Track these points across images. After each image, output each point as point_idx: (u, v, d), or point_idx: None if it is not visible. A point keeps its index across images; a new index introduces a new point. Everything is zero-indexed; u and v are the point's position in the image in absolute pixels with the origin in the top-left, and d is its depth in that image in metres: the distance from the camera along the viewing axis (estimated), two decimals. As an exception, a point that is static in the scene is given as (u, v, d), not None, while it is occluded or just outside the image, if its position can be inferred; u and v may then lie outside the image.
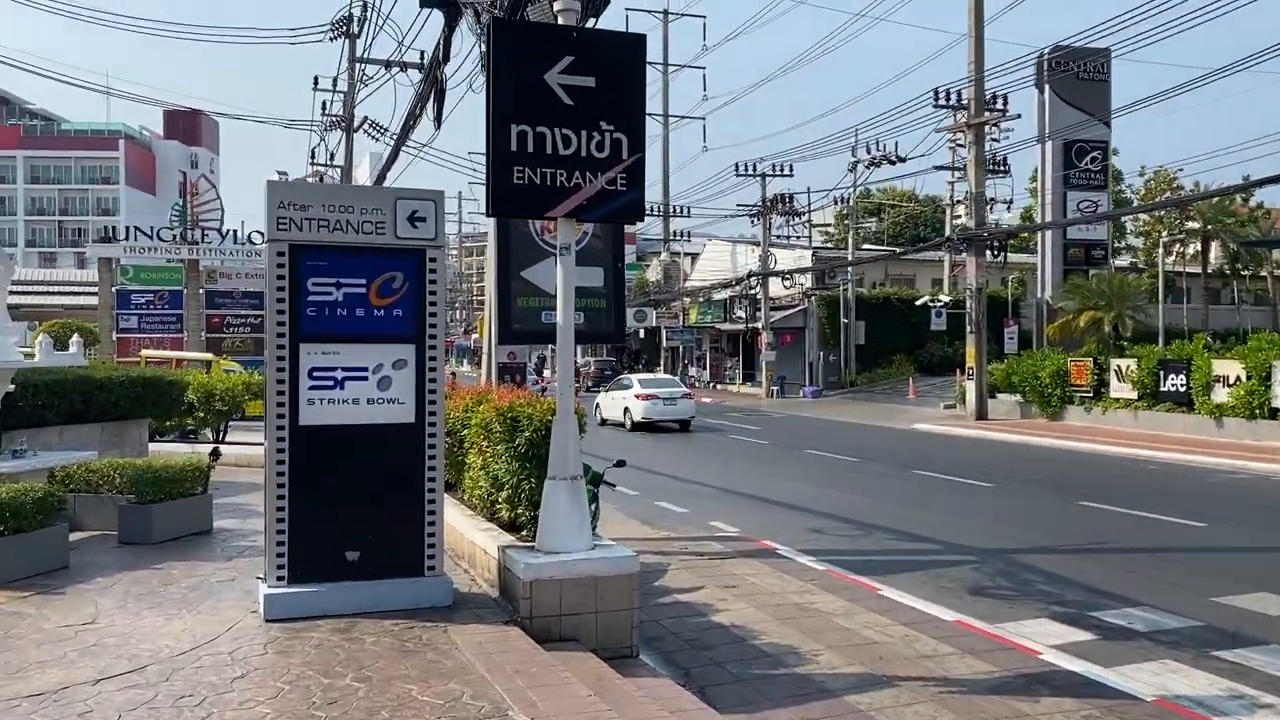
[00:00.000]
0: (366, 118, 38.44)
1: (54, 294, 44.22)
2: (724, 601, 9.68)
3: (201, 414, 17.18)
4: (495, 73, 7.43)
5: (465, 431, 9.62)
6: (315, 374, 7.45)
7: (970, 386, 33.11)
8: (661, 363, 61.87)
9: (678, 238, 61.42)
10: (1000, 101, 33.05)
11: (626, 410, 30.56)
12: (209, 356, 34.45)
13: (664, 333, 59.44)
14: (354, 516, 7.49)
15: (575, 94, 7.58)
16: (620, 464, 10.09)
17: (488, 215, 8.08)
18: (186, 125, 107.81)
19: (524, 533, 8.40)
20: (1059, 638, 8.62)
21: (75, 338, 10.35)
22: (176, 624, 7.08)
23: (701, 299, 56.77)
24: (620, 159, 7.74)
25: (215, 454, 10.79)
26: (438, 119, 14.88)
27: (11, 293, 37.58)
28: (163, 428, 16.95)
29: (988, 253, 33.17)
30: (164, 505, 10.04)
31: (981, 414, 32.20)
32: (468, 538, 8.94)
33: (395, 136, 29.31)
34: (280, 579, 7.32)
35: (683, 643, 8.29)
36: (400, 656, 6.41)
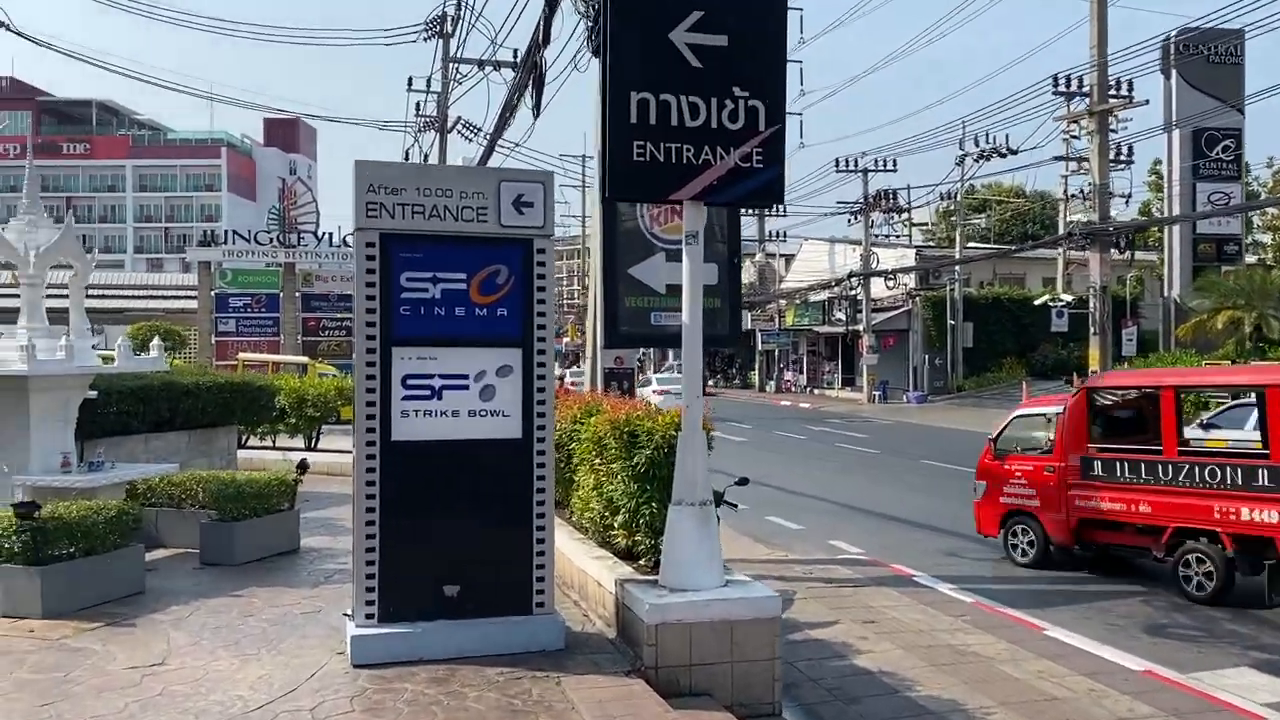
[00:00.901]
0: (460, 118, 38.03)
1: (157, 298, 44.99)
2: (864, 640, 8.50)
3: (293, 420, 16.58)
4: (613, 30, 6.39)
5: (574, 446, 8.62)
6: (409, 382, 6.51)
7: (1092, 391, 31.09)
8: (756, 367, 60.44)
9: (773, 238, 59.94)
10: (1125, 87, 30.97)
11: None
12: (305, 360, 34.42)
13: (759, 336, 58.00)
14: (453, 545, 6.53)
15: (704, 55, 6.51)
16: (743, 482, 8.97)
17: (604, 198, 7.07)
18: (285, 133, 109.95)
19: (642, 561, 7.36)
20: (1273, 693, 7.26)
21: (156, 340, 9.64)
22: (253, 668, 6.20)
23: (798, 301, 55.19)
24: (756, 131, 6.65)
25: (303, 467, 10.00)
26: (536, 107, 14.00)
27: (116, 296, 37.90)
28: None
29: (1112, 249, 31.09)
30: (247, 523, 9.26)
31: (1105, 420, 30.15)
32: (578, 565, 7.93)
33: (489, 136, 28.71)
34: (370, 617, 6.39)
35: (824, 693, 7.15)
36: (507, 718, 5.41)
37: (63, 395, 8.91)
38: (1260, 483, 9.43)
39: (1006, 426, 12.25)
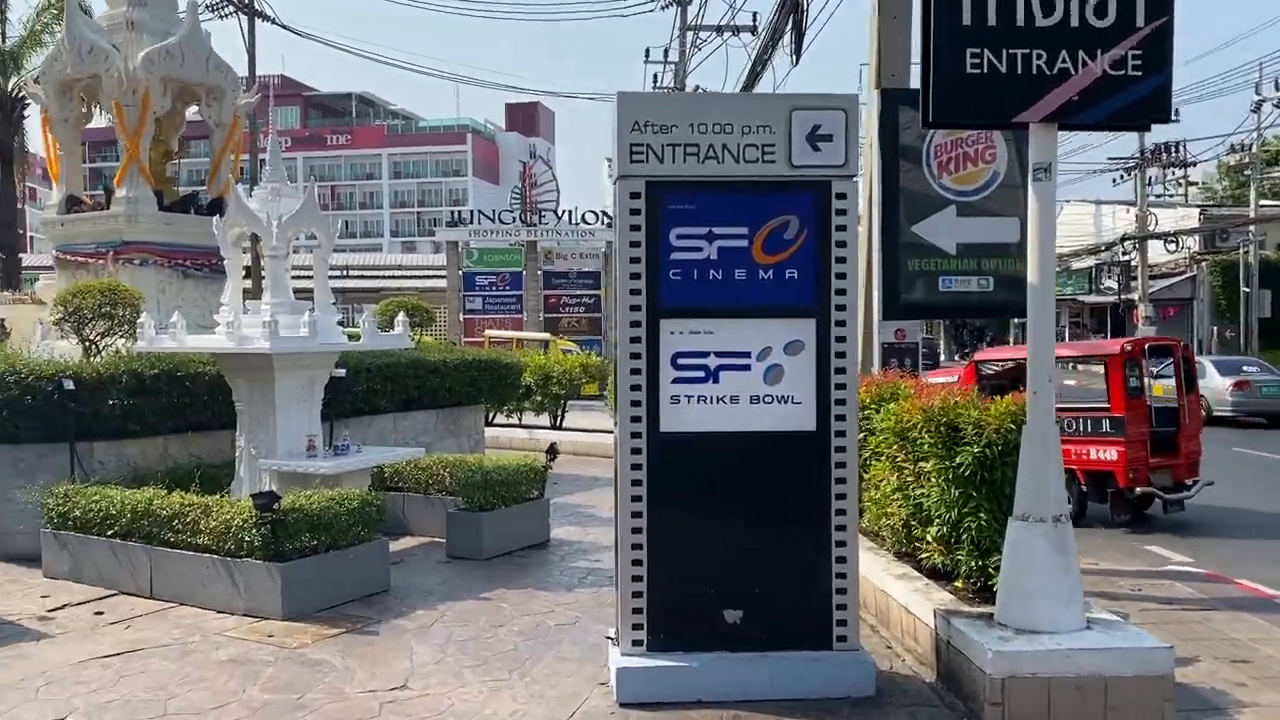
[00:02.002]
0: (698, 87, 37.05)
1: (411, 277, 46.82)
2: (1241, 688, 6.65)
3: (539, 398, 16.04)
4: (945, -98, 4.94)
5: (865, 436, 7.24)
6: (680, 362, 5.35)
7: None
8: (1011, 339, 56.39)
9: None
10: None
11: None
12: (547, 336, 34.59)
13: (1014, 307, 53.91)
14: (735, 561, 5.35)
15: (1063, -69, 4.95)
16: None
17: (925, 125, 5.62)
18: (525, 117, 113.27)
19: (960, 584, 5.92)
20: None
21: (400, 316, 9.01)
22: (504, 700, 5.25)
23: (1059, 269, 50.90)
24: (1132, 28, 5.03)
25: (552, 452, 9.16)
26: (796, 51, 12.57)
27: (373, 276, 39.17)
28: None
29: None
30: (496, 514, 8.48)
31: None
32: (875, 583, 6.58)
33: (730, 101, 27.43)
34: (637, 643, 5.31)
35: (1212, 765, 5.47)
36: (819, 798, 4.16)
37: (307, 374, 8.41)
38: (1104, 429, 11.65)
39: None
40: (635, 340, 5.32)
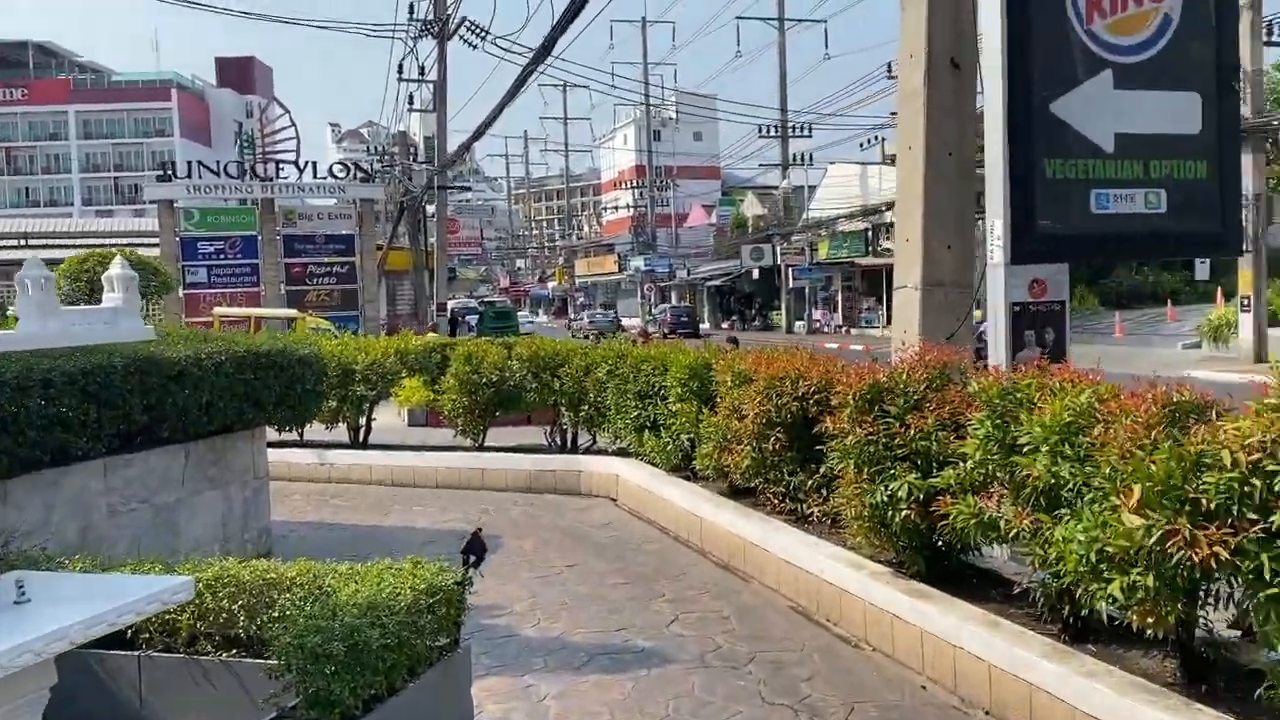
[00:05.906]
0: (465, 19, 31.83)
1: (110, 246, 38.40)
2: None
3: (334, 402, 10.83)
4: None
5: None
6: None
7: (1246, 320, 26.62)
8: (783, 306, 54.85)
9: (796, 161, 54.13)
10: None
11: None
12: (292, 313, 28.50)
13: (787, 273, 52.35)
14: None
15: None
16: None
17: None
18: (240, 72, 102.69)
19: None
20: None
21: (117, 271, 3.87)
22: None
23: (823, 233, 49.52)
24: None
25: (476, 550, 4.32)
26: None
27: (60, 246, 31.04)
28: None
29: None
30: (379, 714, 3.68)
31: (1261, 355, 25.68)
32: None
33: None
34: None
35: None
36: None
37: None
38: None
39: None
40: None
